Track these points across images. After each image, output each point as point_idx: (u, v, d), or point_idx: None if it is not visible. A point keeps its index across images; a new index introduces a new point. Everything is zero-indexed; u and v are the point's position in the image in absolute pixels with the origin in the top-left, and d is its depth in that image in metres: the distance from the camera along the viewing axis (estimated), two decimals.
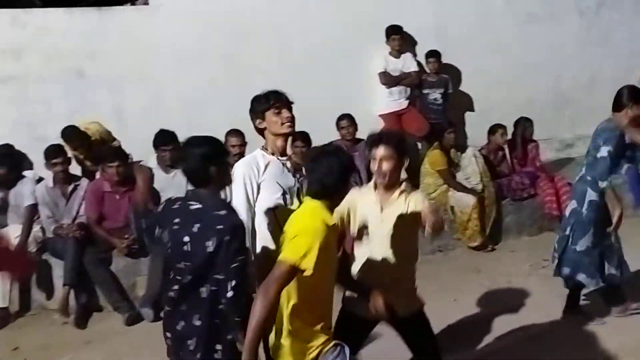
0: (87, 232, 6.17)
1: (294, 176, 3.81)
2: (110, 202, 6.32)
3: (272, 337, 3.34)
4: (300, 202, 3.62)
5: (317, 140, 7.14)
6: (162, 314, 3.45)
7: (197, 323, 3.20)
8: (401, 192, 3.74)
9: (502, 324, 5.33)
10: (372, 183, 3.84)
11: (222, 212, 3.18)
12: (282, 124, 3.76)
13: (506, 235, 7.60)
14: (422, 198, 3.78)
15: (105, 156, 6.38)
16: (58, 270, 6.09)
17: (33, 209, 6.27)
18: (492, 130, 7.81)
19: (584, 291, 5.34)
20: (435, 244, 7.23)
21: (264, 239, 3.71)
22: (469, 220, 7.20)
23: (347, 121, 7.32)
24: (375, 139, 3.74)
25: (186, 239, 3.20)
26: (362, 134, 7.42)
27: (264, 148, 3.84)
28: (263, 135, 3.86)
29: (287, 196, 3.77)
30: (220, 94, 7.39)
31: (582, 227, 5.07)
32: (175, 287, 3.24)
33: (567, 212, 5.27)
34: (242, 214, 3.54)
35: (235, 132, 6.39)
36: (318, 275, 3.09)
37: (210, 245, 3.12)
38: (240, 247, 3.17)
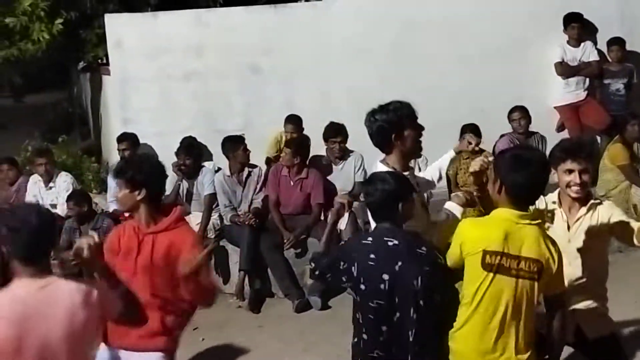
0: (262, 220, 6.44)
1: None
2: (284, 187, 6.57)
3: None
4: None
5: (487, 133, 6.95)
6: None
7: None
8: (589, 207, 3.49)
9: None
10: (554, 197, 3.57)
11: (424, 250, 3.13)
12: (419, 147, 3.68)
13: None
14: (616, 212, 3.54)
15: (289, 145, 6.63)
16: (234, 256, 6.41)
17: (212, 198, 6.62)
18: None
19: None
20: (615, 244, 6.76)
21: None
22: None
23: (519, 113, 7.04)
24: (573, 150, 3.44)
25: (385, 277, 3.10)
26: (536, 126, 7.14)
27: (386, 163, 3.61)
28: (383, 147, 3.61)
29: None
30: (390, 87, 7.32)
31: None
32: (381, 328, 3.13)
33: None
34: None
35: None
36: None
37: (417, 285, 3.05)
38: (445, 287, 3.18)
